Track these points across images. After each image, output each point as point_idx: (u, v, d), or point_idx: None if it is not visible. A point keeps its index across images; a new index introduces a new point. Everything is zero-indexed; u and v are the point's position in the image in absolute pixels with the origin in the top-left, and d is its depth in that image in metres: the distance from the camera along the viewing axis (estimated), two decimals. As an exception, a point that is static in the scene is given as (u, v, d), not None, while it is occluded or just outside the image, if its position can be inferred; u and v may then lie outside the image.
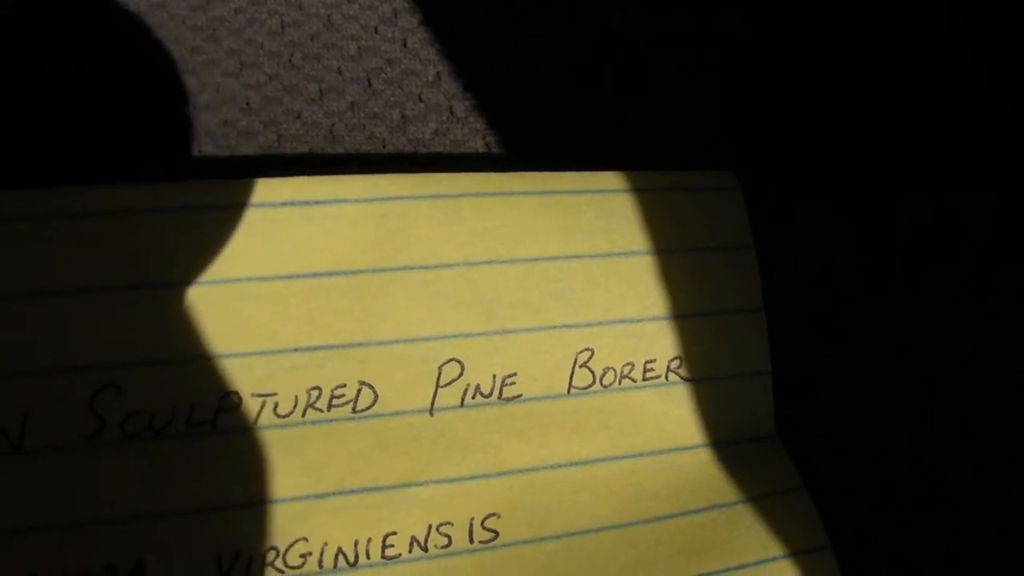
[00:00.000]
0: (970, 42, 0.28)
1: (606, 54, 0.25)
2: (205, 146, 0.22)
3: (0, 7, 0.22)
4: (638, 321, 0.23)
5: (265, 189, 0.21)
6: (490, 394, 0.22)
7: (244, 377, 0.21)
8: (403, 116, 0.24)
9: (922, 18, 0.28)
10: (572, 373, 0.22)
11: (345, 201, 0.21)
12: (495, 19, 0.25)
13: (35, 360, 0.20)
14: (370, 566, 0.21)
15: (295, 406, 0.21)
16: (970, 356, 0.26)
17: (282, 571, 0.20)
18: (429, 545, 0.21)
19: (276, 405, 0.21)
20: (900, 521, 0.25)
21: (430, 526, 0.21)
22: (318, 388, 0.21)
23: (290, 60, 0.24)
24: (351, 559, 0.21)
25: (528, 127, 0.25)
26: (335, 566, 0.21)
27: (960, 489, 0.25)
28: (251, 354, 0.21)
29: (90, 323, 0.20)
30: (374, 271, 0.21)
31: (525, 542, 0.22)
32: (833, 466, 0.24)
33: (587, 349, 0.22)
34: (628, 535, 0.22)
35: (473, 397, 0.22)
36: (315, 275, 0.21)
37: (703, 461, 0.23)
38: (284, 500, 0.21)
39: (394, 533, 0.21)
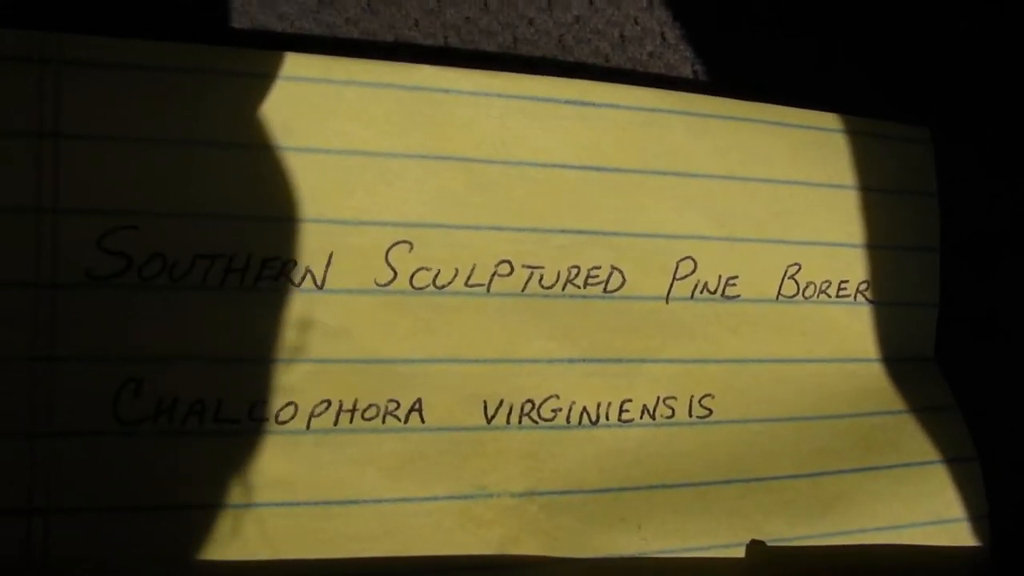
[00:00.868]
0: None
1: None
2: (452, 40, 0.25)
3: None
4: (839, 246, 0.26)
5: (559, 87, 0.24)
6: (715, 291, 0.25)
7: (516, 249, 0.23)
8: (622, 36, 0.27)
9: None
10: (781, 283, 0.26)
11: (616, 107, 0.24)
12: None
13: (332, 211, 0.22)
14: (608, 427, 0.24)
15: (557, 280, 0.24)
16: None
17: (536, 422, 0.23)
18: (657, 414, 0.24)
19: (542, 277, 0.24)
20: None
21: (658, 398, 0.24)
22: (577, 267, 0.24)
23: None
24: (593, 418, 0.24)
25: (732, 60, 0.27)
26: (579, 423, 0.24)
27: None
28: (523, 230, 0.24)
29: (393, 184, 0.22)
30: (633, 171, 0.24)
31: (733, 421, 0.25)
32: (977, 391, 0.28)
33: (795, 264, 0.26)
34: (814, 427, 0.25)
35: (701, 292, 0.25)
36: (585, 168, 0.24)
37: (876, 373, 0.27)
38: (541, 360, 0.24)
39: (629, 400, 0.24)
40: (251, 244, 0.22)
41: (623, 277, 0.24)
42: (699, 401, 0.25)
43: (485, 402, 0.23)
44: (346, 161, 0.22)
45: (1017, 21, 0.30)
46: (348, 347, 0.22)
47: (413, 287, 0.23)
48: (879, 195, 0.27)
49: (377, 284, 0.22)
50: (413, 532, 0.22)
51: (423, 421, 0.22)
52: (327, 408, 0.22)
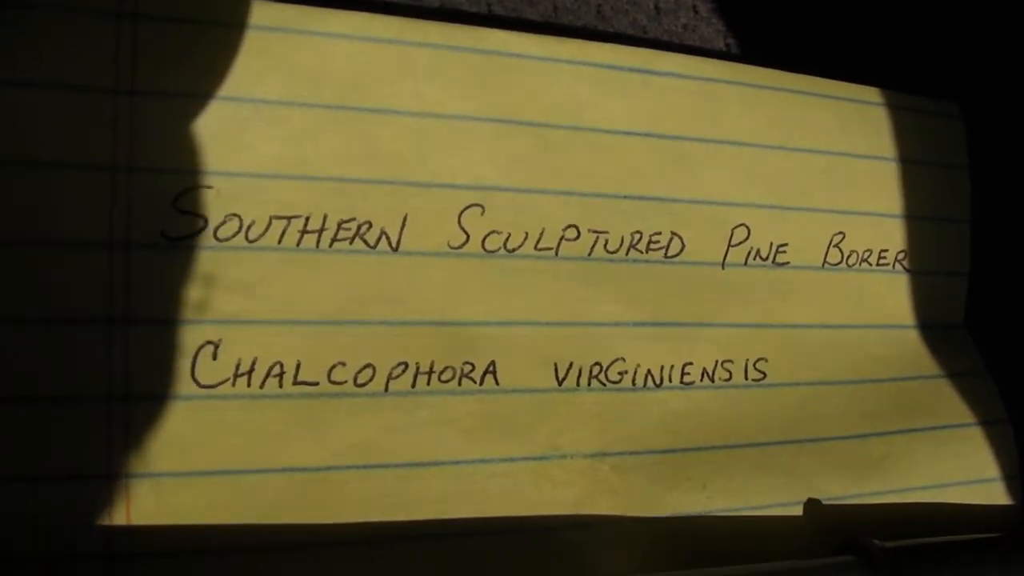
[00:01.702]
0: None
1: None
2: (495, 7, 0.25)
3: None
4: (879, 215, 0.27)
5: (625, 55, 0.24)
6: (767, 258, 0.26)
7: (583, 214, 0.24)
8: (657, 8, 0.27)
9: None
10: (827, 251, 0.26)
11: (677, 76, 0.25)
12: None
13: (406, 173, 0.22)
14: (671, 389, 0.24)
15: (621, 245, 0.24)
16: None
17: (604, 384, 0.24)
18: (716, 377, 0.25)
19: (607, 242, 0.24)
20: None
21: (717, 361, 0.25)
22: (639, 232, 0.24)
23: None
24: (657, 381, 0.24)
25: (763, 33, 0.28)
26: (644, 385, 0.24)
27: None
28: (589, 195, 0.24)
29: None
30: (691, 139, 0.25)
31: (785, 384, 0.26)
32: (1004, 357, 0.29)
33: (840, 232, 0.27)
34: (859, 390, 0.26)
35: (754, 259, 0.26)
36: (647, 135, 0.24)
37: (912, 339, 0.28)
38: (607, 324, 0.24)
39: (690, 363, 0.25)
40: (327, 205, 0.21)
41: (682, 243, 0.25)
42: (754, 365, 0.25)
43: (556, 364, 0.23)
44: (420, 123, 0.22)
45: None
46: (424, 309, 0.22)
47: (485, 250, 0.23)
48: (915, 167, 0.28)
49: (450, 247, 0.23)
50: (491, 493, 0.22)
51: (497, 383, 0.23)
52: (404, 370, 0.22)
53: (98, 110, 0.20)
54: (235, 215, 0.21)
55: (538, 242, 0.23)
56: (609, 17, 0.27)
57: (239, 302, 0.21)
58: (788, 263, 0.26)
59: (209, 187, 0.21)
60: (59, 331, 0.20)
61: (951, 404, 0.27)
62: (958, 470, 0.27)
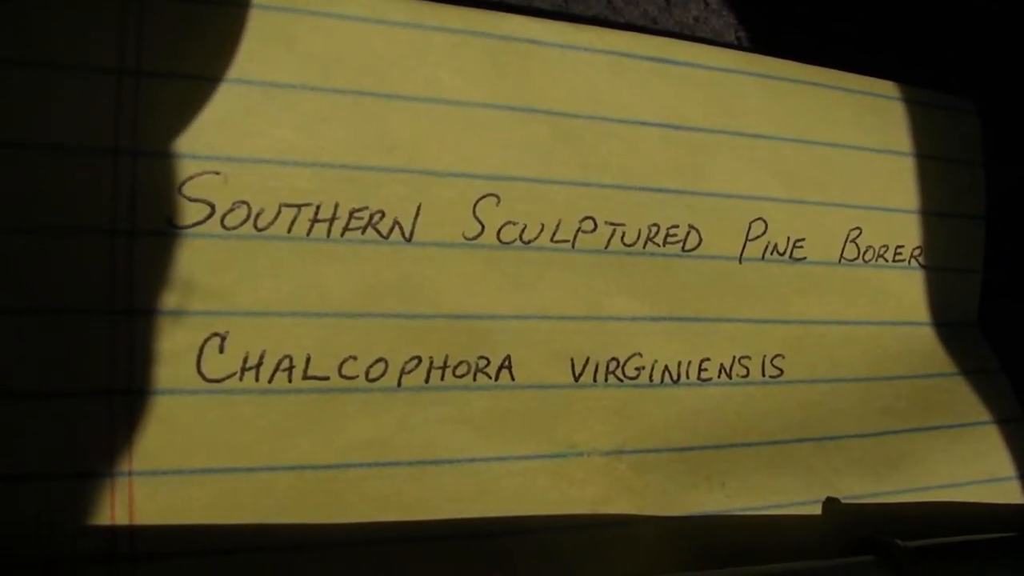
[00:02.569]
0: None
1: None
2: None
3: None
4: (895, 211, 0.27)
5: (642, 43, 0.23)
6: (784, 253, 0.25)
7: (599, 205, 0.23)
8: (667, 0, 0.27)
9: None
10: (844, 246, 0.26)
11: (695, 66, 0.24)
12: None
13: (420, 161, 0.21)
14: (688, 385, 0.24)
15: (638, 238, 0.23)
16: None
17: (621, 380, 0.23)
18: (733, 373, 0.24)
19: (623, 234, 0.23)
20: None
21: (734, 357, 0.24)
22: (656, 225, 0.24)
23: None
24: (674, 377, 0.24)
25: (773, 26, 0.28)
26: (661, 381, 0.23)
27: None
28: (606, 186, 0.23)
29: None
30: (708, 131, 0.24)
31: (802, 381, 0.25)
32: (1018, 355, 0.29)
33: (857, 228, 0.26)
34: (876, 388, 0.26)
35: (771, 253, 0.25)
36: (664, 125, 0.24)
37: (926, 335, 0.27)
38: (624, 318, 0.23)
39: (708, 359, 0.24)
40: (338, 193, 0.21)
41: (699, 236, 0.24)
42: (771, 361, 0.25)
43: (572, 359, 0.23)
44: (435, 109, 0.21)
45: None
46: (438, 302, 0.21)
47: (501, 241, 0.22)
48: (930, 163, 0.27)
49: (465, 238, 0.22)
50: (507, 492, 0.21)
51: (513, 379, 0.22)
52: (417, 365, 0.21)
53: (102, 91, 0.19)
54: (243, 202, 0.20)
55: (554, 234, 0.23)
56: (620, 7, 0.26)
57: (247, 293, 0.20)
58: (805, 258, 0.25)
59: (217, 173, 0.20)
60: (59, 322, 0.19)
61: (967, 402, 0.27)
62: (975, 469, 0.26)
